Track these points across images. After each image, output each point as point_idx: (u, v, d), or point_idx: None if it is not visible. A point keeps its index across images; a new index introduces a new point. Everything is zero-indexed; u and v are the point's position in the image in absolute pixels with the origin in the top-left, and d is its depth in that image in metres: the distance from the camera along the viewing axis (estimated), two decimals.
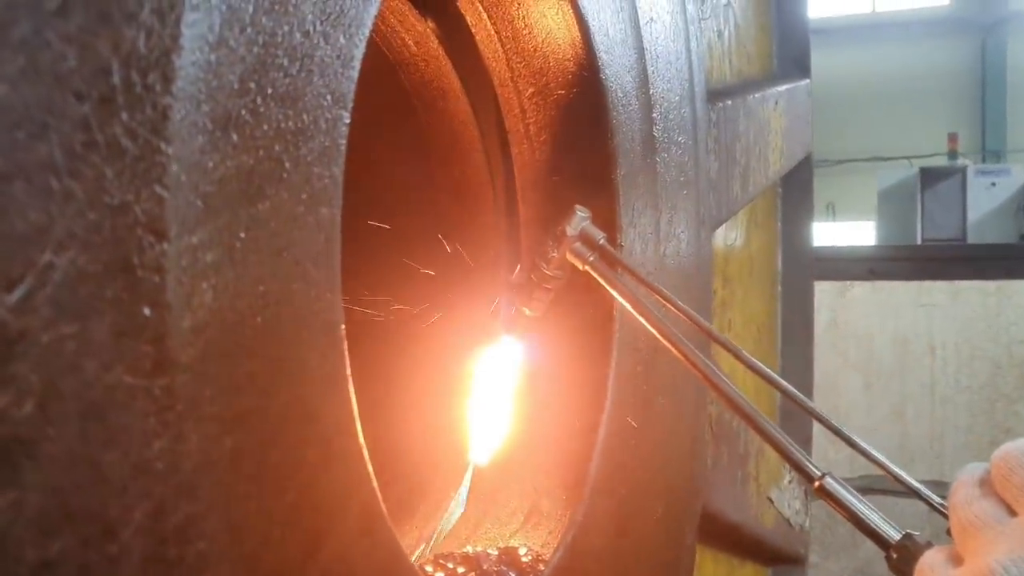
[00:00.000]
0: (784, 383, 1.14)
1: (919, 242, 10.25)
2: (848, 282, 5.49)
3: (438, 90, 1.57)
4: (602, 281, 1.26)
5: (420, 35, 1.52)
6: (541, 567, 1.28)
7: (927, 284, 5.40)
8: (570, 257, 1.29)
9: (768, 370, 1.14)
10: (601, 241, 1.29)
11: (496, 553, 1.31)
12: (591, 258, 1.28)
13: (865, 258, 5.79)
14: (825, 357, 5.10)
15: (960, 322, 5.29)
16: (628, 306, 1.22)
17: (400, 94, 1.59)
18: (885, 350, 5.45)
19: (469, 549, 1.34)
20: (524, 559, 1.31)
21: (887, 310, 5.44)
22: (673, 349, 1.14)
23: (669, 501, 1.69)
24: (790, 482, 2.98)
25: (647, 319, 1.18)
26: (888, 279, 5.48)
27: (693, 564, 1.86)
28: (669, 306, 1.27)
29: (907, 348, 5.40)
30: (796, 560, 3.11)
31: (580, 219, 1.29)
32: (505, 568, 1.27)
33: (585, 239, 1.29)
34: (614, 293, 1.25)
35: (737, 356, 1.16)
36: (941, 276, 5.37)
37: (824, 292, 5.17)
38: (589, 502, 1.36)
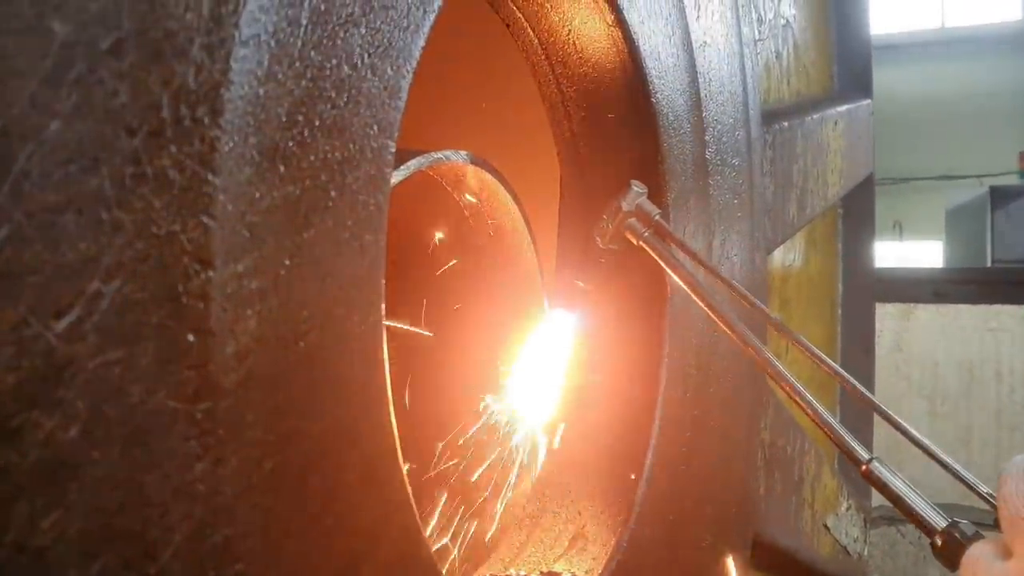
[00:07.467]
0: (841, 370, 1.12)
1: (989, 263, 9.95)
2: (912, 304, 5.36)
3: None
4: (656, 256, 1.24)
5: None
6: None
7: (995, 308, 5.24)
8: (625, 232, 1.28)
9: (826, 358, 1.12)
10: (656, 217, 1.28)
11: None
12: (645, 234, 1.27)
13: (929, 280, 5.63)
14: (888, 381, 4.98)
15: None
16: (681, 283, 1.20)
17: None
18: (950, 375, 5.30)
19: (512, 572, 1.34)
20: None
21: (952, 334, 5.29)
22: (726, 329, 1.12)
23: (719, 529, 1.66)
24: (847, 509, 2.91)
25: (700, 297, 1.17)
26: (953, 302, 5.33)
27: None
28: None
29: (973, 374, 5.25)
30: None
31: (636, 194, 1.28)
32: None
33: (640, 215, 1.28)
34: (667, 269, 1.23)
35: (796, 341, 1.15)
36: (1010, 300, 5.20)
37: (887, 314, 5.06)
38: (636, 528, 1.35)
